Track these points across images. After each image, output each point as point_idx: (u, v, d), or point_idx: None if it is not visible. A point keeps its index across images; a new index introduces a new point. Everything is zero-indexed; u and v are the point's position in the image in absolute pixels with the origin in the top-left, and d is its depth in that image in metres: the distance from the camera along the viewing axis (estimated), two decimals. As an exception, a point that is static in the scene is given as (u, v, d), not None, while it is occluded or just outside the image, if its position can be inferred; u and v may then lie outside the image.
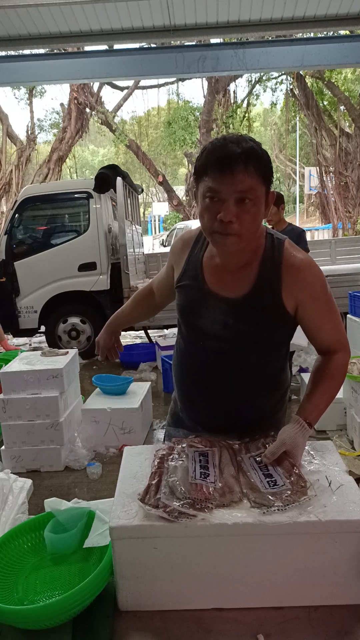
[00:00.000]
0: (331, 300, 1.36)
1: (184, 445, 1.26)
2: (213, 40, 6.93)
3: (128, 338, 7.56)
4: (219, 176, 1.18)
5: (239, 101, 18.23)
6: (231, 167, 1.16)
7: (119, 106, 18.93)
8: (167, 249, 8.06)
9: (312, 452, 1.26)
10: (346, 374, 1.40)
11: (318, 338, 1.38)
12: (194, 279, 1.40)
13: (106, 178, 6.33)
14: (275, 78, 17.84)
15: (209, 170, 1.20)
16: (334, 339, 1.37)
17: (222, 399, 1.41)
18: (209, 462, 1.18)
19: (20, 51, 7.34)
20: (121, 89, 18.48)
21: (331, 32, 6.80)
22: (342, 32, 7.07)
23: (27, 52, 7.32)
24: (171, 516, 1.01)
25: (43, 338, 7.17)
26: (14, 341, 7.11)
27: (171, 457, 1.21)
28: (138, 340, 7.20)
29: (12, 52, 7.23)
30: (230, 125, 16.91)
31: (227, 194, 1.19)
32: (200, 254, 1.41)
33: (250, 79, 17.69)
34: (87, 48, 7.11)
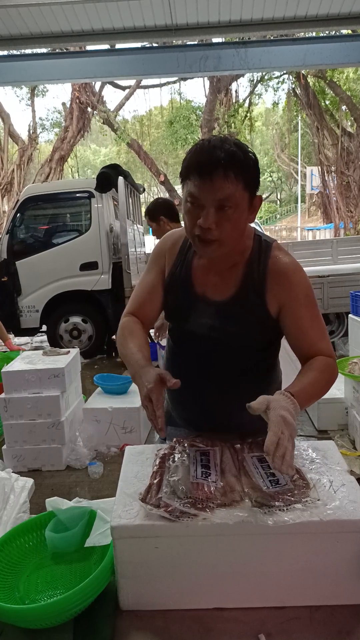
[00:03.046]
0: (316, 306, 1.33)
1: (185, 444, 1.26)
2: (215, 40, 6.93)
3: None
4: (199, 182, 1.17)
5: (241, 100, 18.20)
6: (210, 174, 1.15)
7: (120, 105, 18.92)
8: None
9: (313, 452, 1.26)
10: (335, 376, 1.30)
11: (301, 345, 1.32)
12: (183, 282, 1.39)
13: (108, 177, 6.33)
14: (277, 77, 17.82)
15: (190, 174, 1.19)
16: (318, 347, 1.30)
17: (211, 400, 1.41)
18: (210, 462, 1.18)
19: (22, 50, 7.36)
20: (123, 88, 18.47)
21: (333, 32, 6.79)
22: (344, 32, 7.06)
23: (29, 51, 7.33)
24: (172, 516, 1.01)
25: (44, 337, 7.18)
26: (15, 340, 7.12)
27: (172, 456, 1.21)
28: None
29: (14, 52, 7.24)
30: (232, 125, 16.89)
31: (206, 201, 1.18)
32: (190, 255, 1.40)
33: (252, 79, 17.68)
34: (89, 47, 7.11)
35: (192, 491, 1.06)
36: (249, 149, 1.23)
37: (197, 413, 1.45)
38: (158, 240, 3.79)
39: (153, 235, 3.84)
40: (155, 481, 1.12)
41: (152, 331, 7.30)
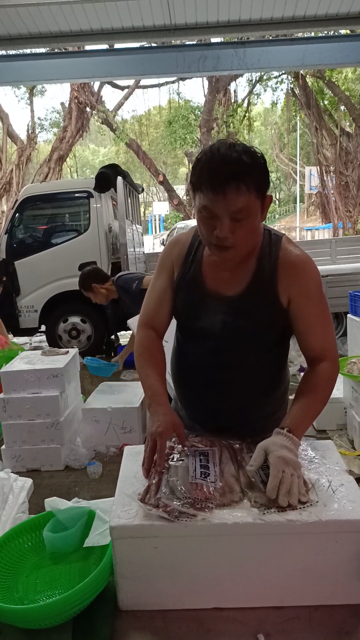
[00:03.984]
0: (324, 302, 1.34)
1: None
2: (214, 40, 6.92)
3: (126, 338, 7.55)
4: (212, 196, 1.17)
5: (240, 100, 18.22)
6: (223, 188, 1.15)
7: (119, 105, 18.93)
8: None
9: (312, 452, 1.26)
10: (333, 386, 1.32)
11: (306, 340, 1.33)
12: (193, 280, 1.39)
13: (107, 177, 6.33)
14: (276, 77, 17.84)
15: (203, 188, 1.19)
16: (322, 345, 1.32)
17: (222, 399, 1.41)
18: (209, 462, 1.18)
19: (21, 50, 7.34)
20: (122, 88, 18.46)
21: (332, 32, 6.79)
22: (343, 32, 7.05)
23: (27, 51, 7.31)
24: (171, 516, 1.01)
25: (43, 337, 7.17)
26: (14, 340, 7.11)
27: (171, 456, 1.21)
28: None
29: (13, 52, 7.22)
30: (231, 125, 16.90)
31: (220, 213, 1.19)
32: (199, 253, 1.41)
33: (250, 79, 17.69)
34: (88, 47, 7.10)
35: (190, 491, 1.06)
36: (257, 152, 1.22)
37: (206, 411, 1.45)
38: (101, 302, 4.04)
39: (94, 301, 4.06)
40: (154, 481, 1.12)
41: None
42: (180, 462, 1.18)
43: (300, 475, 1.09)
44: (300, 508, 1.03)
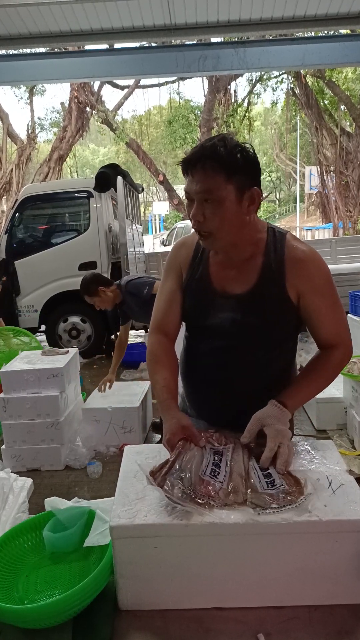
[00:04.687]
0: (334, 293, 1.36)
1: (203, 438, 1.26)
2: (214, 39, 6.92)
3: (129, 338, 7.54)
4: (186, 178, 1.25)
5: (240, 100, 18.20)
6: (189, 169, 1.23)
7: (119, 105, 18.92)
8: (168, 248, 8.04)
9: (312, 452, 1.26)
10: (341, 370, 1.39)
11: (318, 331, 1.37)
12: (201, 281, 1.41)
13: (107, 177, 6.33)
14: (276, 77, 17.82)
15: (183, 172, 1.27)
16: (334, 333, 1.36)
17: (232, 396, 1.42)
18: (221, 461, 1.18)
19: (21, 50, 7.33)
20: (122, 88, 18.45)
21: (332, 31, 6.78)
22: (343, 31, 7.05)
23: (27, 51, 7.30)
24: (171, 500, 1.02)
25: (43, 337, 7.17)
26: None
27: (190, 444, 1.21)
28: (138, 340, 7.19)
29: (13, 51, 7.22)
30: (231, 125, 16.89)
31: (193, 195, 1.24)
32: (205, 254, 1.42)
33: (250, 78, 17.67)
34: (88, 47, 7.10)
35: (196, 485, 1.07)
36: (242, 144, 1.25)
37: (214, 410, 1.46)
38: (107, 309, 3.85)
39: (98, 307, 3.88)
40: (170, 461, 1.13)
41: (144, 332, 7.33)
42: (197, 453, 1.18)
43: (290, 446, 1.19)
44: (295, 506, 1.03)
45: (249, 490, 1.09)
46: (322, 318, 1.35)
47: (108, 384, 3.88)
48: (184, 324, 1.52)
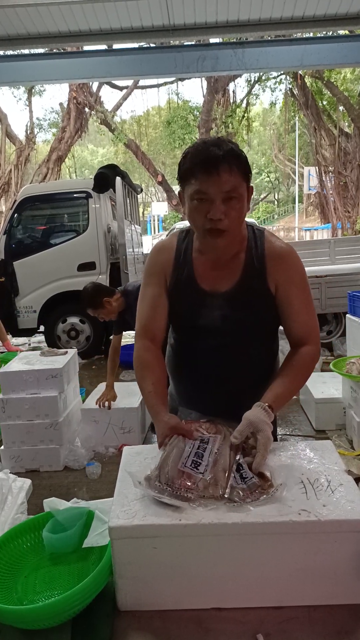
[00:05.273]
0: (308, 290, 1.44)
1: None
2: (212, 40, 6.94)
3: (128, 337, 7.55)
4: (206, 178, 1.25)
5: (238, 101, 18.24)
6: (217, 168, 1.23)
7: (118, 106, 18.95)
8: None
9: (311, 452, 1.26)
10: (313, 368, 1.44)
11: (291, 325, 1.43)
12: (188, 283, 1.44)
13: (105, 178, 6.32)
14: (275, 78, 17.86)
15: (197, 173, 1.26)
16: (306, 329, 1.42)
17: (225, 391, 1.46)
18: (206, 450, 1.19)
19: (20, 51, 7.34)
20: (120, 88, 18.47)
21: (330, 32, 6.80)
22: (342, 32, 7.07)
23: (26, 51, 7.32)
24: (151, 493, 1.05)
25: (42, 338, 7.17)
26: (13, 341, 7.11)
27: (176, 437, 1.22)
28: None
29: (11, 52, 7.22)
30: (230, 125, 16.91)
31: (214, 194, 1.26)
32: (189, 254, 1.45)
33: (249, 79, 17.71)
34: (86, 48, 7.11)
35: (174, 479, 1.09)
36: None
37: (209, 406, 1.46)
38: (111, 319, 3.69)
39: (101, 319, 3.73)
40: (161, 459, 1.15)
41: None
42: (180, 445, 1.19)
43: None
44: (267, 497, 1.05)
45: (228, 485, 1.10)
46: (296, 309, 1.41)
47: (107, 402, 3.69)
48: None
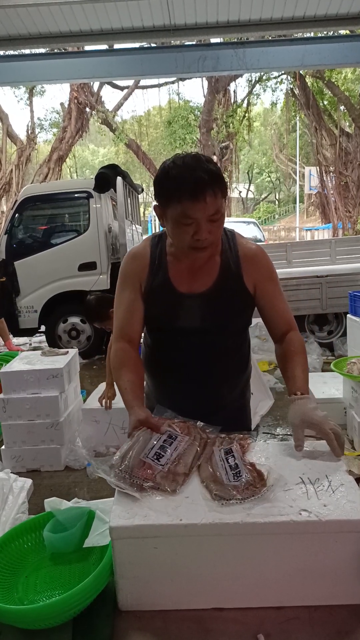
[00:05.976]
0: (279, 283, 1.56)
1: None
2: (213, 40, 6.93)
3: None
4: (192, 205, 1.29)
5: (239, 101, 18.25)
6: (204, 194, 1.28)
7: (119, 106, 18.94)
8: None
9: (311, 452, 1.26)
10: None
11: (274, 316, 1.53)
12: (164, 287, 1.48)
13: (106, 177, 6.32)
14: (276, 78, 17.86)
15: (182, 198, 1.29)
16: (287, 317, 1.55)
17: (205, 387, 1.53)
18: (171, 445, 1.21)
19: (21, 51, 7.34)
20: (121, 88, 18.48)
21: (331, 32, 6.79)
22: (343, 32, 7.07)
23: (27, 51, 7.32)
24: (113, 479, 1.09)
25: (43, 338, 7.17)
26: (14, 341, 7.12)
27: (145, 429, 1.25)
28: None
29: (12, 52, 7.22)
30: (230, 125, 16.91)
31: (200, 219, 1.31)
32: (163, 260, 1.49)
33: (250, 79, 17.71)
34: (87, 48, 7.11)
35: (133, 468, 1.12)
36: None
37: (189, 404, 1.46)
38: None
39: (108, 329, 3.40)
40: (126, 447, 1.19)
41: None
42: (148, 437, 1.22)
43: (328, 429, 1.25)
44: (257, 497, 1.05)
45: (213, 482, 1.11)
46: (276, 302, 1.53)
47: (107, 400, 3.66)
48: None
